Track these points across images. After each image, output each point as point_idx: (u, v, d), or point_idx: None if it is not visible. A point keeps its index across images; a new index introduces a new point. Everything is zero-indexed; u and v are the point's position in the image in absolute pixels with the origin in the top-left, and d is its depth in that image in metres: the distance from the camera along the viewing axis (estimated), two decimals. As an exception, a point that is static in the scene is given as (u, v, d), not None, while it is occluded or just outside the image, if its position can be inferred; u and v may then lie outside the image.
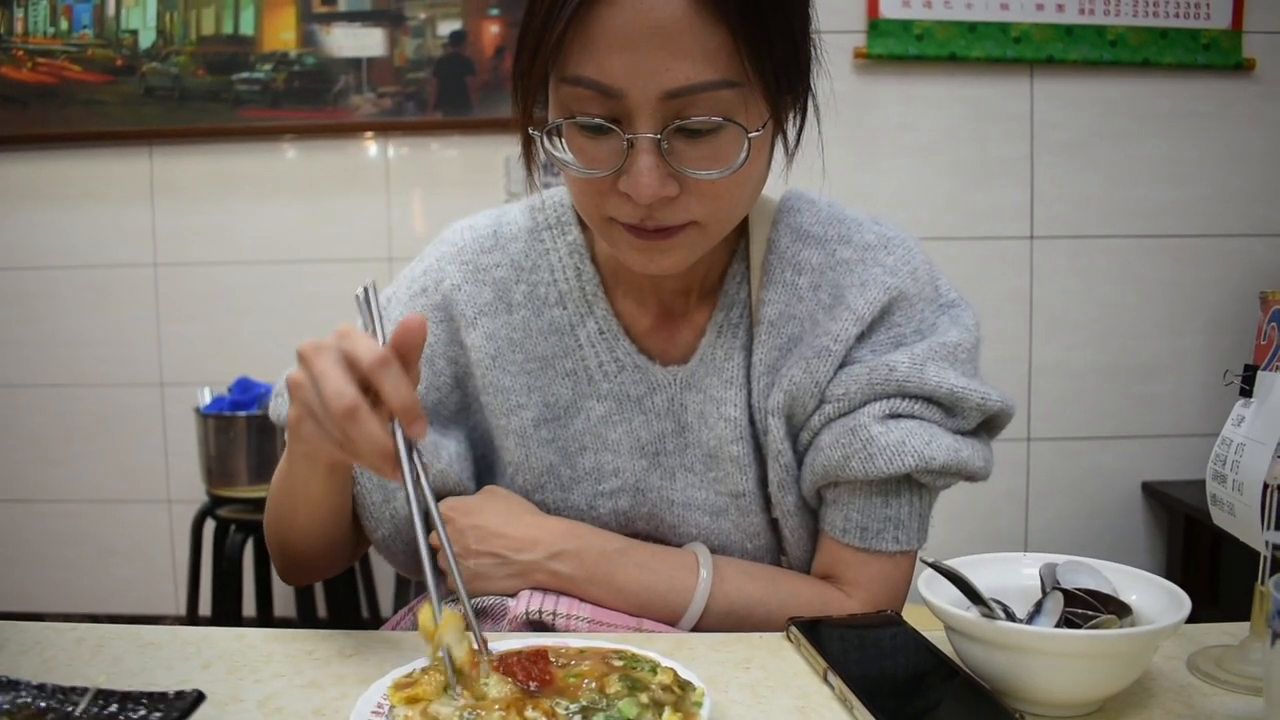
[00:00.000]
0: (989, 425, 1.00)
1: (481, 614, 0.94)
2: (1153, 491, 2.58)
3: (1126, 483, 2.61)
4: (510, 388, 1.01)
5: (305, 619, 2.38)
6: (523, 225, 1.04)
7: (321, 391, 0.73)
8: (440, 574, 0.78)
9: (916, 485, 0.96)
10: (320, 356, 0.74)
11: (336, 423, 0.72)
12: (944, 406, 0.95)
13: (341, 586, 2.43)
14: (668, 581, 0.93)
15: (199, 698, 0.67)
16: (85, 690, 0.69)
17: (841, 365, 0.96)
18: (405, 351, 0.75)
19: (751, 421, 0.99)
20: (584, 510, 1.02)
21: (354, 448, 0.73)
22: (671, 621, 0.93)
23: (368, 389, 0.73)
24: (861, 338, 0.96)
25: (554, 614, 0.90)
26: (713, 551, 0.99)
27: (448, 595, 1.00)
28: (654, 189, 0.80)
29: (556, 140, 0.85)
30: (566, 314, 1.01)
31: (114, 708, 0.67)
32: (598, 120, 0.81)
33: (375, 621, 2.45)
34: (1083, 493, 2.63)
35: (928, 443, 0.92)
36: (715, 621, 0.93)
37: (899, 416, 0.94)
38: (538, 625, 0.91)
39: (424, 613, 0.71)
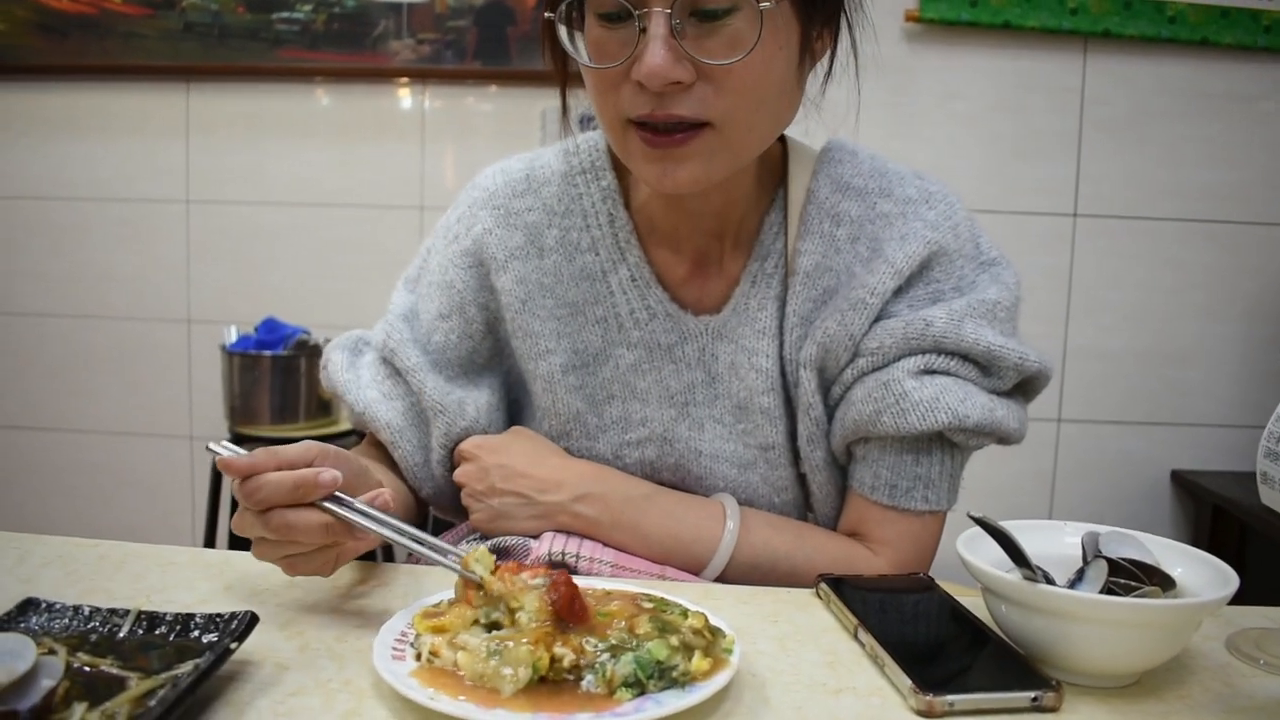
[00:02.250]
0: (1025, 387, 0.98)
1: (503, 554, 0.94)
2: (1182, 480, 2.54)
3: (1155, 470, 2.58)
4: (539, 332, 1.00)
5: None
6: (556, 169, 1.03)
7: (259, 538, 0.73)
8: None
9: (948, 444, 0.95)
10: (239, 522, 0.74)
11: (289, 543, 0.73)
12: (980, 365, 0.93)
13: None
14: (693, 530, 0.92)
15: (253, 619, 0.66)
16: (126, 612, 0.68)
17: (877, 319, 0.94)
18: (250, 471, 0.72)
19: (783, 373, 0.98)
20: (610, 460, 1.01)
21: (317, 543, 0.73)
22: (695, 570, 0.92)
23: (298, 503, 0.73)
24: (899, 292, 0.95)
25: (577, 556, 0.89)
26: (739, 503, 0.98)
27: (473, 534, 1.00)
28: (664, 69, 0.78)
29: (577, 36, 0.85)
30: (599, 260, 1.00)
31: (163, 629, 0.66)
32: (612, 8, 0.80)
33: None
34: (1110, 477, 2.59)
35: (962, 400, 0.90)
36: (739, 573, 0.92)
37: (934, 373, 0.92)
38: (560, 568, 0.89)
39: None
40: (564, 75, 0.92)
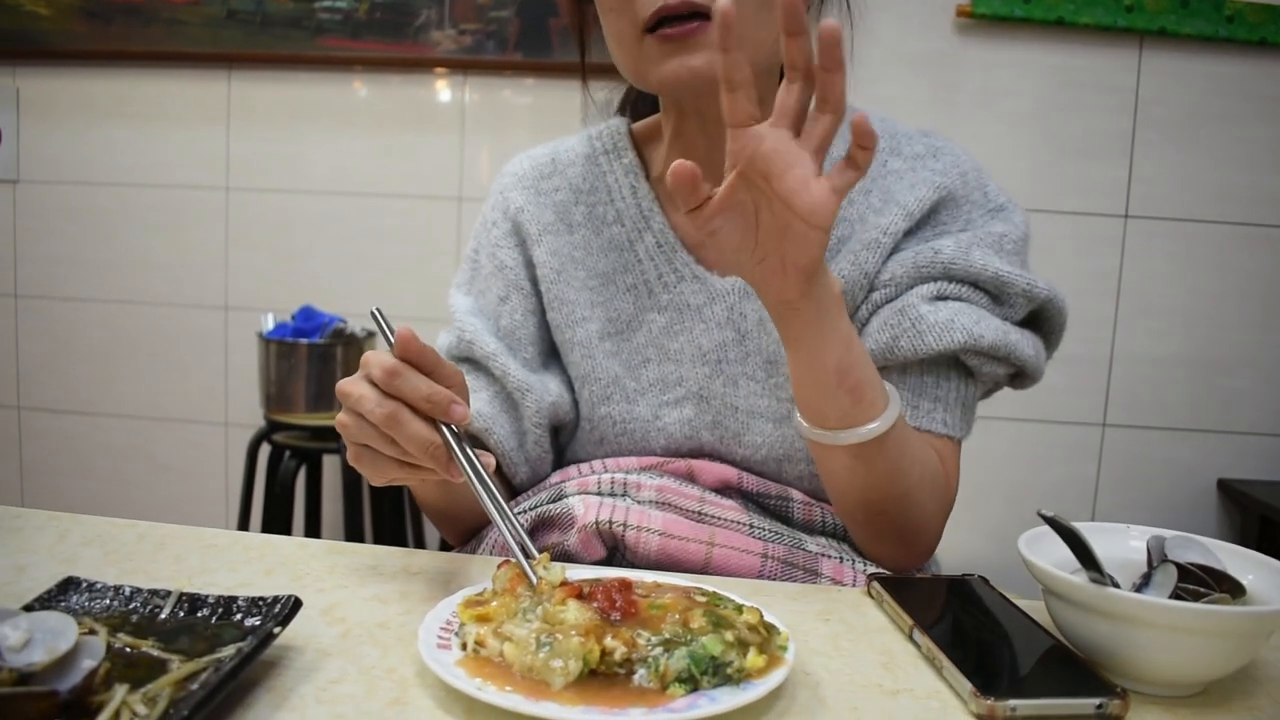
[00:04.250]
0: (1043, 326, 1.00)
1: (549, 523, 0.94)
2: (1229, 489, 2.49)
3: (1201, 478, 2.53)
4: (575, 301, 1.04)
5: (353, 550, 2.39)
6: (580, 152, 1.10)
7: (362, 413, 0.73)
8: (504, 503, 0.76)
9: (964, 370, 0.97)
10: (353, 386, 0.75)
11: (384, 435, 0.73)
12: (990, 293, 0.96)
13: (391, 520, 2.43)
14: (874, 378, 0.85)
15: (297, 604, 0.64)
16: (167, 593, 0.66)
17: (889, 257, 0.97)
18: (411, 357, 0.74)
19: None
20: (649, 420, 1.03)
21: (407, 454, 0.74)
22: (867, 420, 0.84)
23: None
24: (908, 233, 0.98)
25: (624, 525, 0.88)
26: (778, 459, 1.00)
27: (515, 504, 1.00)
28: None
29: None
30: (625, 231, 1.05)
31: (204, 611, 0.65)
32: None
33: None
34: (1155, 484, 2.55)
35: (976, 322, 0.93)
36: (890, 444, 0.85)
37: (946, 299, 0.95)
38: (606, 536, 0.89)
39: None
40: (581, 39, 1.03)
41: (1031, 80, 2.46)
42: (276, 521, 2.35)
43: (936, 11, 2.41)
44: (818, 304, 0.78)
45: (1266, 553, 2.25)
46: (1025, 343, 0.96)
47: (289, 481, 2.35)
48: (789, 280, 0.76)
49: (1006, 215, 0.99)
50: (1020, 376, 1.00)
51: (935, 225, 0.99)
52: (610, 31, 0.94)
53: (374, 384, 0.73)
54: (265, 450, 2.44)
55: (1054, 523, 0.70)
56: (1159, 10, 2.36)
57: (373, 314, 0.81)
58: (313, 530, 2.52)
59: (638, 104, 1.16)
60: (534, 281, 1.06)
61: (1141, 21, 2.37)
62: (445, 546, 1.08)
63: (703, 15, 0.87)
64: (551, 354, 1.08)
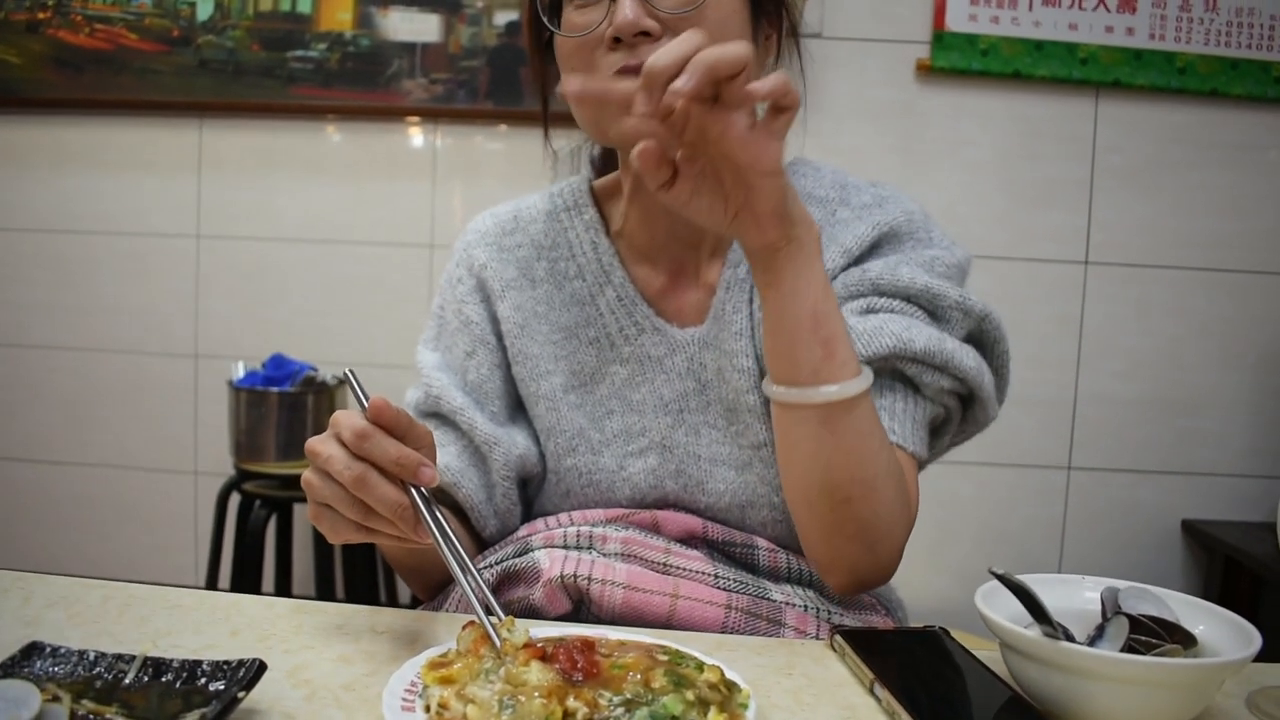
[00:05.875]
0: (987, 351, 1.01)
1: (514, 578, 0.94)
2: (1193, 530, 2.52)
3: (1166, 519, 2.56)
4: (538, 355, 1.06)
5: (324, 599, 2.37)
6: (542, 209, 1.12)
7: (331, 473, 0.74)
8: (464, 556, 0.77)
9: (909, 383, 0.97)
10: (323, 446, 0.75)
11: (351, 495, 0.74)
12: (925, 309, 0.98)
13: (362, 569, 2.42)
14: (846, 337, 0.85)
15: (261, 667, 0.65)
16: (131, 658, 0.67)
17: None
18: (385, 423, 0.75)
19: (762, 370, 1.00)
20: (614, 471, 1.04)
21: (373, 517, 0.74)
22: (838, 379, 0.84)
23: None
24: (848, 270, 1.00)
25: (589, 579, 0.89)
26: (741, 506, 1.00)
27: (483, 558, 1.00)
28: (635, 19, 0.88)
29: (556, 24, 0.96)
30: (586, 285, 1.06)
31: (169, 676, 0.65)
32: None
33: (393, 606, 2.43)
34: (1120, 526, 2.57)
35: (906, 328, 0.94)
36: (859, 416, 0.85)
37: (877, 311, 0.97)
38: (571, 590, 0.90)
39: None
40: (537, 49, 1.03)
41: (992, 131, 2.51)
42: (247, 571, 2.33)
43: (897, 64, 2.46)
44: (799, 242, 0.81)
45: (1231, 592, 2.27)
46: (964, 353, 0.96)
47: (259, 531, 2.34)
48: (765, 226, 0.79)
49: (947, 247, 1.02)
50: (972, 404, 1.00)
51: (875, 258, 1.01)
52: (571, 87, 0.95)
53: (343, 444, 0.74)
54: (235, 499, 2.43)
55: (1004, 580, 0.71)
56: (1113, 62, 2.42)
57: (345, 375, 0.82)
58: (283, 579, 2.50)
59: (604, 162, 1.18)
60: (499, 336, 1.08)
61: (1096, 73, 2.43)
62: (417, 599, 1.08)
63: None
64: (518, 407, 1.09)
